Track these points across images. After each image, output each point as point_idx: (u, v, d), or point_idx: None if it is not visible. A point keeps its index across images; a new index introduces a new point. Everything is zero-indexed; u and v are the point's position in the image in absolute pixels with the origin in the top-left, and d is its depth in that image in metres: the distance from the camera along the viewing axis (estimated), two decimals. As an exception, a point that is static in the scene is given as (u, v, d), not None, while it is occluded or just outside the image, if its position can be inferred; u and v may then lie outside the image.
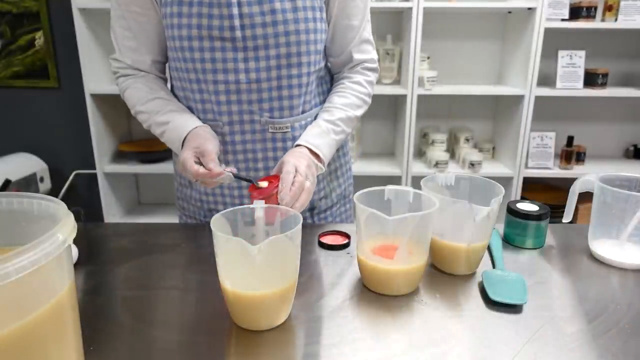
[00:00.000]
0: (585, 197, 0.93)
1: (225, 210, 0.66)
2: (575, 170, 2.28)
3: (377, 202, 0.74)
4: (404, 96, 2.17)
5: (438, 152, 2.31)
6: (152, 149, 2.32)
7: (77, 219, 0.47)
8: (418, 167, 2.31)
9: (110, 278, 0.77)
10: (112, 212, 2.37)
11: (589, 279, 0.77)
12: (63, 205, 0.48)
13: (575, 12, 2.09)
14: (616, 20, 2.09)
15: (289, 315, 0.65)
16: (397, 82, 2.34)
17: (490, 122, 2.55)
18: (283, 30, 0.86)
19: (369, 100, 1.02)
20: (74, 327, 0.48)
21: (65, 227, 0.43)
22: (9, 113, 2.51)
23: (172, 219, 2.39)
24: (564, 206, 0.93)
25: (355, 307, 0.68)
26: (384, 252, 0.71)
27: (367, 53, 1.01)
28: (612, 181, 0.83)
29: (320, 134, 0.92)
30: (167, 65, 1.01)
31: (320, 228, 0.95)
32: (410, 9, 2.04)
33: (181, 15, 0.85)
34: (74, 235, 0.44)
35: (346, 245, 0.87)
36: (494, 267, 0.80)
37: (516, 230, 0.88)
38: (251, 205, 0.68)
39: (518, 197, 2.29)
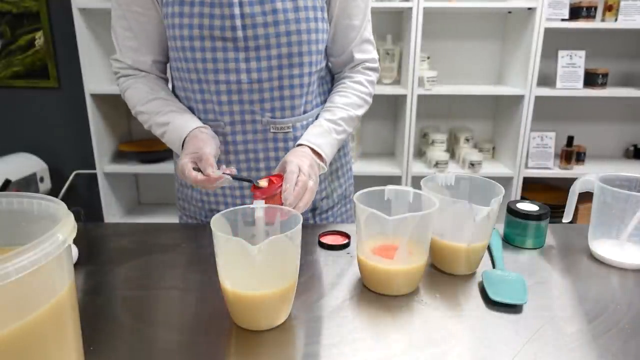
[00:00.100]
0: (585, 197, 0.93)
1: (225, 210, 0.66)
2: (575, 170, 2.28)
3: (377, 202, 0.74)
4: (404, 96, 2.17)
5: (438, 152, 2.31)
6: (152, 149, 2.33)
7: (77, 219, 0.47)
8: (418, 167, 2.31)
9: (110, 278, 0.77)
10: (112, 212, 2.37)
11: (589, 279, 0.77)
12: (63, 205, 0.48)
13: (575, 12, 2.09)
14: (616, 20, 2.09)
15: (289, 315, 0.65)
16: (397, 82, 2.34)
17: (490, 122, 2.55)
18: (284, 30, 0.86)
19: (370, 100, 1.02)
20: (74, 327, 0.48)
21: (65, 227, 0.43)
22: (9, 113, 2.51)
23: (172, 219, 2.39)
24: (564, 206, 0.93)
25: (355, 307, 0.68)
26: (384, 252, 0.71)
27: (368, 53, 1.01)
28: (612, 181, 0.83)
29: (322, 134, 0.92)
30: (168, 65, 1.01)
31: (320, 228, 0.95)
32: (410, 9, 2.04)
33: (182, 15, 0.85)
34: (74, 235, 0.44)
35: (346, 245, 0.87)
36: (494, 267, 0.80)
37: (516, 230, 0.88)
38: (251, 205, 0.68)
39: (518, 197, 2.29)
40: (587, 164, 2.35)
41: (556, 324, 0.64)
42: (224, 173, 0.80)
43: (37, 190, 2.33)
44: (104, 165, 2.27)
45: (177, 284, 0.75)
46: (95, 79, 2.20)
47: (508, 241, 0.90)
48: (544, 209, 0.87)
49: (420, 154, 2.51)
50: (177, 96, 0.99)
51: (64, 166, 2.56)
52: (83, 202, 2.63)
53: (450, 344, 0.60)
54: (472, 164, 2.26)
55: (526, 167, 2.26)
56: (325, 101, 1.01)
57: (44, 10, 2.35)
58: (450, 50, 2.41)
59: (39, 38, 2.39)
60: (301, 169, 0.81)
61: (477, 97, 2.48)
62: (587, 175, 0.86)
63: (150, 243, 0.89)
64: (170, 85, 1.03)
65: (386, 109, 2.49)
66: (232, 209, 0.67)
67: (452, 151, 2.46)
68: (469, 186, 0.84)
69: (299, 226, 0.61)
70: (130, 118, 2.53)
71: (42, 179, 2.38)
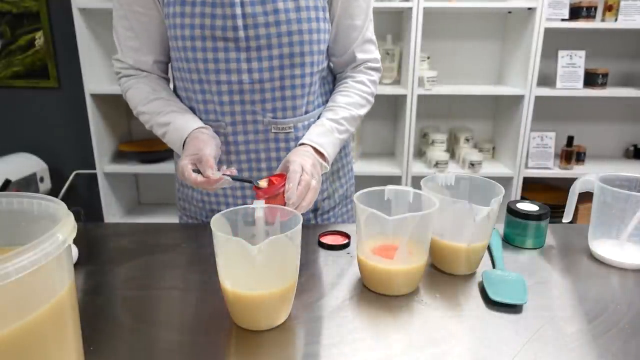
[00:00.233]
0: (585, 197, 0.93)
1: (225, 210, 0.66)
2: (575, 170, 2.28)
3: (377, 202, 0.74)
4: (404, 96, 2.17)
5: (438, 152, 2.31)
6: (152, 149, 2.33)
7: (77, 219, 0.47)
8: (418, 167, 2.31)
9: (110, 278, 0.77)
10: (112, 212, 2.37)
11: (589, 279, 0.77)
12: (63, 205, 0.48)
13: (575, 12, 2.09)
14: (616, 20, 2.09)
15: (289, 315, 0.65)
16: (397, 82, 2.34)
17: (490, 122, 2.55)
18: (286, 30, 0.86)
19: (372, 99, 1.02)
20: (74, 327, 0.48)
21: (65, 227, 0.43)
22: (9, 113, 2.51)
23: (172, 219, 2.39)
24: (564, 206, 0.93)
25: (355, 307, 0.68)
26: (384, 252, 0.71)
27: (370, 53, 1.01)
28: (612, 181, 0.83)
29: (325, 133, 0.91)
30: (169, 65, 1.01)
31: (320, 228, 0.95)
32: (410, 9, 2.04)
33: (184, 15, 0.85)
34: (74, 235, 0.44)
35: (346, 245, 0.87)
36: (494, 267, 0.80)
37: (516, 230, 0.88)
38: (251, 205, 0.68)
39: (518, 197, 2.29)
40: (587, 164, 2.35)
41: (556, 324, 0.64)
42: (224, 174, 0.80)
43: (37, 190, 2.33)
44: (104, 165, 2.27)
45: (177, 284, 0.75)
46: (95, 79, 2.19)
47: (508, 241, 0.90)
48: (544, 209, 0.87)
49: (420, 154, 2.51)
50: (178, 96, 0.99)
51: (64, 166, 2.56)
52: (83, 202, 2.63)
53: (450, 344, 0.60)
54: (472, 164, 2.26)
55: (526, 167, 2.27)
56: (326, 101, 1.01)
57: (44, 10, 2.35)
58: (450, 50, 2.41)
59: (39, 38, 2.39)
60: (304, 168, 0.81)
61: (477, 97, 2.48)
62: (587, 175, 0.86)
63: (150, 243, 0.89)
64: (171, 86, 1.02)
65: (386, 109, 2.49)
66: (232, 209, 0.67)
67: (452, 151, 2.46)
68: (469, 186, 0.84)
69: (299, 226, 0.61)
70: (130, 118, 2.53)
71: (42, 179, 2.38)
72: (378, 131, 2.54)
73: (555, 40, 2.26)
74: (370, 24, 0.99)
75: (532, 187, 2.48)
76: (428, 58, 2.27)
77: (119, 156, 2.40)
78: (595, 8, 2.08)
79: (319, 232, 0.91)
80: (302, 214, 0.67)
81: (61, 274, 0.45)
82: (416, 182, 2.25)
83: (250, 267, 0.60)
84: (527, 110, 2.17)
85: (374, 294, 0.72)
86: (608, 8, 2.11)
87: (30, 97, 2.49)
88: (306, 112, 0.96)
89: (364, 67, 1.01)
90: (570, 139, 2.26)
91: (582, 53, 2.19)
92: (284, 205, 0.76)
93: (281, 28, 0.86)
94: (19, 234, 0.50)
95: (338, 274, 0.77)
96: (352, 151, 1.15)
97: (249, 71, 0.88)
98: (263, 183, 0.80)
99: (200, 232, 0.95)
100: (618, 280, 0.76)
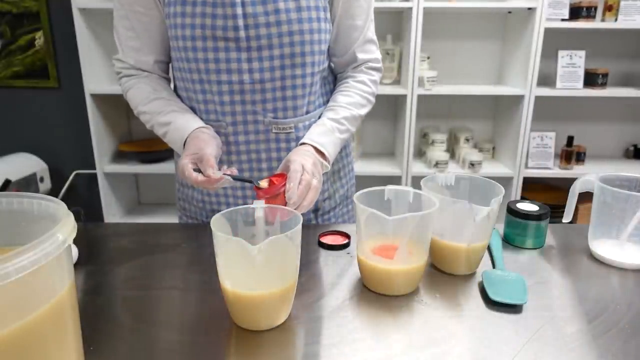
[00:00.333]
0: (585, 197, 0.93)
1: (225, 210, 0.66)
2: (575, 170, 2.28)
3: (377, 202, 0.74)
4: (404, 96, 2.17)
5: (438, 152, 2.31)
6: (152, 149, 2.33)
7: (77, 219, 0.47)
8: (418, 167, 2.31)
9: (110, 278, 0.77)
10: (112, 212, 2.37)
11: (589, 279, 0.77)
12: (63, 205, 0.48)
13: (575, 12, 2.09)
14: (616, 20, 2.09)
15: (289, 315, 0.65)
16: (397, 82, 2.34)
17: (490, 122, 2.55)
18: (287, 30, 0.86)
19: (373, 99, 1.02)
20: (74, 327, 0.48)
21: (65, 227, 0.43)
22: (9, 113, 2.51)
23: (172, 219, 2.39)
24: (564, 206, 0.93)
25: (355, 307, 0.68)
26: (384, 252, 0.71)
27: (371, 53, 1.01)
28: (612, 181, 0.83)
29: (325, 133, 0.91)
30: (170, 65, 1.01)
31: (320, 228, 0.95)
32: (410, 9, 2.04)
33: (185, 15, 0.85)
34: (74, 235, 0.44)
35: (346, 245, 0.87)
36: (494, 267, 0.80)
37: (516, 230, 0.88)
38: (251, 205, 0.68)
39: (518, 197, 2.29)
40: (587, 164, 2.35)
41: (556, 324, 0.64)
42: (224, 174, 0.80)
43: (37, 190, 2.33)
44: (104, 165, 2.27)
45: (177, 284, 0.75)
46: (95, 79, 2.19)
47: (508, 241, 0.90)
48: (544, 209, 0.87)
49: (420, 154, 2.51)
50: (179, 96, 0.99)
51: (64, 166, 2.56)
52: (83, 202, 2.63)
53: (450, 344, 0.60)
54: (472, 164, 2.26)
55: (526, 167, 2.27)
56: (327, 101, 1.00)
57: (44, 10, 2.35)
58: (450, 50, 2.41)
59: (39, 38, 2.39)
60: (304, 167, 0.81)
61: (477, 97, 2.48)
62: (587, 175, 0.86)
63: (150, 243, 0.89)
64: (172, 85, 1.02)
65: (386, 109, 2.49)
66: (232, 209, 0.67)
67: (452, 151, 2.46)
68: (469, 186, 0.84)
69: (299, 226, 0.61)
70: (130, 118, 2.53)
71: (42, 179, 2.38)
72: (378, 131, 2.54)
73: (555, 40, 2.26)
74: (371, 24, 0.99)
75: (532, 187, 2.48)
76: (428, 58, 2.27)
77: (119, 156, 2.40)
78: (595, 8, 2.08)
79: (319, 232, 0.91)
80: (302, 215, 0.67)
81: (61, 274, 0.45)
82: (416, 182, 2.25)
83: (250, 267, 0.60)
84: (527, 110, 2.17)
85: (374, 294, 0.72)
86: (608, 8, 2.11)
87: (30, 97, 2.49)
88: (307, 112, 0.95)
89: (365, 67, 1.01)
90: (570, 139, 2.26)
91: (582, 53, 2.19)
92: (285, 205, 0.76)
93: (282, 28, 0.86)
94: (19, 234, 0.50)
95: (338, 274, 0.77)
96: (352, 151, 1.15)
97: (250, 71, 0.88)
98: (264, 183, 0.80)
99: (200, 232, 0.95)
100: (618, 280, 0.76)
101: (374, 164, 2.36)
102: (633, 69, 2.43)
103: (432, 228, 0.72)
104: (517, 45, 2.23)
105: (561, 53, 2.19)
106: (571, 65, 2.19)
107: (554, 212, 1.03)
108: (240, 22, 0.85)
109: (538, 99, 2.17)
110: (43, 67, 2.42)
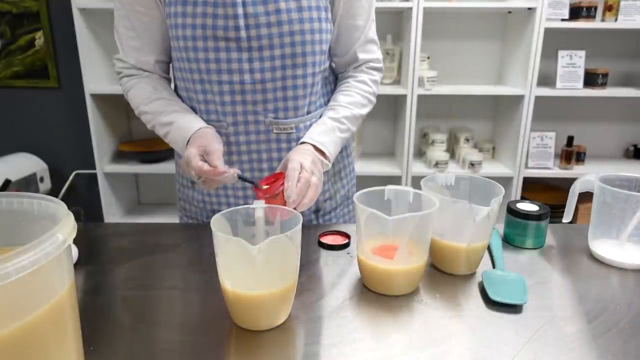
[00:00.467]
0: (585, 197, 0.93)
1: (225, 210, 0.66)
2: (575, 170, 2.28)
3: (377, 202, 0.74)
4: (404, 96, 2.17)
5: (438, 152, 2.31)
6: (152, 149, 2.32)
7: (77, 219, 0.47)
8: (418, 167, 2.31)
9: (110, 278, 0.77)
10: (112, 212, 2.37)
11: (589, 279, 0.77)
12: (63, 205, 0.48)
13: (575, 12, 2.09)
14: (616, 20, 2.09)
15: (289, 315, 0.65)
16: (397, 82, 2.34)
17: (490, 122, 2.55)
18: (288, 30, 0.86)
19: (374, 99, 1.02)
20: (74, 327, 0.48)
21: (65, 227, 0.43)
22: (9, 113, 2.51)
23: (173, 219, 2.39)
24: (564, 206, 0.93)
25: (355, 307, 0.68)
26: (384, 252, 0.71)
27: (372, 53, 1.01)
28: (612, 181, 0.83)
29: (326, 132, 0.91)
30: (171, 65, 1.01)
31: (320, 228, 0.95)
32: (410, 9, 2.04)
33: (185, 15, 0.85)
34: (74, 235, 0.44)
35: (346, 245, 0.87)
36: (494, 267, 0.80)
37: (516, 230, 0.88)
38: (251, 206, 0.68)
39: (518, 197, 2.29)
40: (587, 164, 2.35)
41: (556, 324, 0.64)
42: (229, 170, 0.80)
43: (37, 190, 2.33)
44: (104, 165, 2.27)
45: (177, 284, 0.75)
46: (95, 79, 2.19)
47: (508, 241, 0.90)
48: (544, 209, 0.87)
49: (420, 154, 2.51)
50: (179, 96, 0.99)
51: (64, 166, 2.56)
52: (83, 202, 2.63)
53: (450, 344, 0.60)
54: (472, 164, 2.26)
55: (526, 167, 2.27)
56: (328, 102, 1.00)
57: (44, 10, 2.35)
58: (450, 50, 2.41)
59: (39, 38, 2.39)
60: (303, 165, 0.81)
61: (477, 97, 2.48)
62: (587, 175, 0.86)
63: (150, 243, 0.89)
64: (172, 86, 1.02)
65: (386, 109, 2.49)
66: (232, 209, 0.67)
67: (452, 151, 2.46)
68: (469, 186, 0.84)
69: (299, 226, 0.61)
70: (130, 118, 2.53)
71: (42, 179, 2.38)
72: (378, 131, 2.54)
73: (555, 40, 2.26)
74: (373, 24, 0.99)
75: (532, 187, 2.48)
76: (428, 58, 2.27)
77: (119, 156, 2.40)
78: (595, 8, 2.08)
79: (319, 232, 0.91)
80: (303, 215, 0.67)
81: (61, 274, 0.45)
82: (416, 182, 2.25)
83: (250, 267, 0.60)
84: (527, 110, 2.17)
85: (374, 294, 0.72)
86: (608, 8, 2.11)
87: (30, 97, 2.49)
88: (308, 113, 0.95)
89: (366, 67, 1.01)
90: (570, 139, 2.26)
91: (582, 53, 2.19)
92: (284, 204, 0.76)
93: (283, 28, 0.85)
94: (19, 234, 0.50)
95: (338, 274, 0.77)
96: (353, 151, 1.15)
97: (251, 71, 0.88)
98: (265, 185, 0.80)
99: (201, 232, 0.95)
100: (618, 280, 0.76)
101: (374, 164, 2.36)
102: (633, 69, 2.43)
103: (432, 228, 0.72)
104: (517, 45, 2.23)
105: (561, 53, 2.19)
106: (571, 65, 2.19)
107: (554, 212, 1.03)
108: (241, 22, 0.85)
109: (538, 99, 2.17)
110: (43, 67, 2.42)
